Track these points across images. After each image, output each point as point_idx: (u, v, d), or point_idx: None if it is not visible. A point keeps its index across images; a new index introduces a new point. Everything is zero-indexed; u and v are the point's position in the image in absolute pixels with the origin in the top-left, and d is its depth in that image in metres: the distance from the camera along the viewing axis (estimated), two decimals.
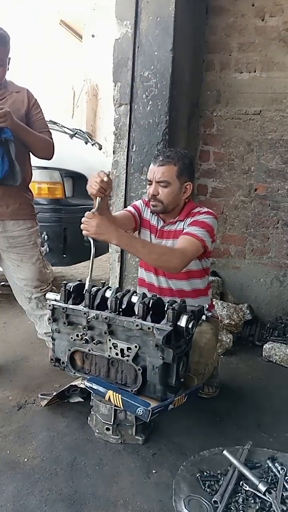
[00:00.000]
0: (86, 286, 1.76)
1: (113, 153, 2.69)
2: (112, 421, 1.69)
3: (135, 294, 1.69)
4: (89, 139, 4.38)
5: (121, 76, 2.58)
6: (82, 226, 1.71)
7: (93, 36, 9.88)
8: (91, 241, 1.75)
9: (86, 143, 4.27)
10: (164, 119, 2.52)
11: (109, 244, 2.56)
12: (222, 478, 1.47)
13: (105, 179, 1.72)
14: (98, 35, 9.69)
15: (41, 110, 2.18)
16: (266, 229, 3.16)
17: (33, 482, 1.47)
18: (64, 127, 3.91)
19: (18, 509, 1.35)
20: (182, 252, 1.77)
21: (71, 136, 3.93)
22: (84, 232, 1.71)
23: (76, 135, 4.04)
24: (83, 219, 1.71)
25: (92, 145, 4.43)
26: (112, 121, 2.68)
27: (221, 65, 3.14)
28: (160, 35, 2.46)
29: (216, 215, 1.96)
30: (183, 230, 1.92)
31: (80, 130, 4.29)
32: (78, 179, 3.37)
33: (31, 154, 2.19)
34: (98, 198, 1.75)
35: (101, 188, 1.73)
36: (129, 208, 2.12)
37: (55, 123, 3.75)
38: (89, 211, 1.74)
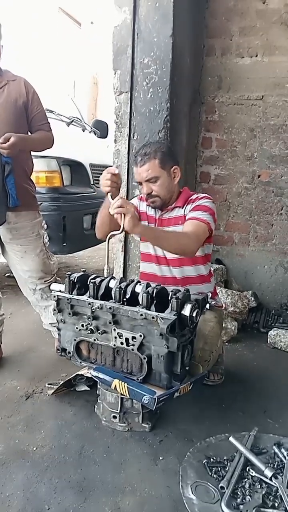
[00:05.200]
0: (105, 273, 1.81)
1: (114, 142, 2.67)
2: (118, 409, 1.71)
3: (139, 283, 1.69)
4: (86, 127, 4.36)
5: (121, 64, 2.55)
6: (119, 209, 1.64)
7: (92, 23, 9.75)
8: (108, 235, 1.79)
9: (84, 131, 4.24)
10: (165, 107, 2.50)
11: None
12: (228, 464, 1.49)
13: (116, 171, 1.77)
14: (97, 22, 9.56)
15: (40, 101, 2.17)
16: (270, 216, 3.15)
17: (42, 470, 1.49)
18: (61, 115, 3.89)
19: (28, 496, 1.37)
20: (195, 236, 1.81)
21: (68, 124, 3.91)
22: (119, 213, 1.64)
23: (73, 123, 4.02)
24: (118, 203, 1.64)
25: (90, 132, 4.40)
26: (113, 109, 2.66)
27: (222, 50, 3.10)
28: (159, 21, 2.42)
29: (213, 200, 1.99)
30: (184, 216, 1.94)
31: (77, 118, 4.26)
32: (76, 167, 3.36)
33: None
34: (109, 194, 1.77)
35: (113, 183, 1.76)
36: None
37: (51, 111, 3.73)
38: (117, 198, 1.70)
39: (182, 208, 1.97)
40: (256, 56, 3.02)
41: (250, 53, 3.03)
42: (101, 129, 4.58)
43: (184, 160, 2.95)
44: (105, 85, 9.39)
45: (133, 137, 2.59)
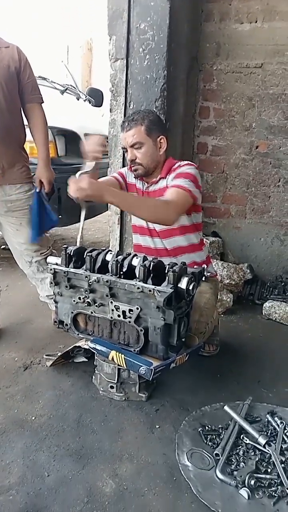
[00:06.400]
0: (77, 243, 1.87)
1: (110, 111, 2.61)
2: (116, 380, 1.74)
3: (136, 257, 1.69)
4: (80, 95, 4.25)
5: (117, 29, 2.46)
6: (71, 189, 1.63)
7: None
8: (81, 205, 1.85)
9: (78, 99, 4.14)
10: (162, 74, 2.43)
11: (107, 205, 2.55)
12: (223, 432, 1.53)
13: (106, 145, 1.77)
14: None
15: (32, 71, 2.13)
16: (267, 188, 3.12)
17: (41, 438, 1.53)
18: (54, 82, 3.78)
19: (28, 464, 1.41)
20: (174, 204, 1.77)
21: (62, 92, 3.80)
22: (75, 194, 1.63)
23: (67, 91, 3.91)
24: (71, 183, 1.65)
25: (84, 101, 4.29)
26: (108, 77, 2.59)
27: (220, 15, 2.99)
28: None
29: (197, 166, 1.97)
30: (167, 187, 1.92)
31: (71, 85, 4.15)
32: (70, 137, 3.28)
33: (23, 114, 2.15)
34: (94, 161, 1.78)
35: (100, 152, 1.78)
36: (114, 174, 2.13)
37: (44, 78, 3.62)
38: (78, 173, 1.73)
39: (165, 178, 1.96)
40: (256, 21, 2.92)
41: (249, 19, 2.93)
42: (96, 97, 4.47)
43: (181, 130, 2.90)
44: (100, 51, 9.12)
45: (129, 106, 2.53)
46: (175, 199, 1.78)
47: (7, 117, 2.02)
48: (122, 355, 1.61)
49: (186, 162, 1.96)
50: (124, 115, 2.53)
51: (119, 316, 1.65)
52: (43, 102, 2.18)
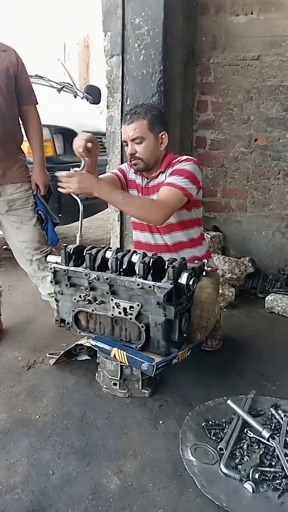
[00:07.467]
0: (77, 242, 1.86)
1: (107, 108, 2.60)
2: (118, 377, 1.74)
3: (135, 253, 1.68)
4: (78, 92, 4.23)
5: (111, 25, 2.45)
6: (61, 184, 1.76)
7: None
8: (78, 199, 1.86)
9: (75, 97, 4.12)
10: (158, 69, 2.41)
11: (107, 202, 2.54)
12: (226, 426, 1.53)
13: (89, 145, 1.78)
14: None
15: (27, 74, 2.14)
16: (267, 181, 3.11)
17: (45, 437, 1.53)
18: (51, 81, 3.77)
19: (32, 463, 1.41)
20: (162, 203, 1.78)
21: (59, 90, 3.79)
22: (64, 190, 1.77)
23: (64, 88, 3.90)
24: (62, 178, 1.76)
25: (82, 98, 4.28)
26: (105, 73, 2.58)
27: (216, 8, 2.97)
28: None
29: (197, 161, 1.94)
30: (164, 182, 1.91)
31: (68, 83, 4.14)
32: (68, 136, 3.27)
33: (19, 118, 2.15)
34: (82, 159, 1.82)
35: (86, 152, 1.80)
36: (115, 170, 2.13)
37: (41, 77, 3.61)
38: (71, 170, 1.80)
39: (164, 173, 1.95)
40: (252, 13, 2.89)
41: (245, 11, 2.90)
42: (93, 94, 4.45)
43: (179, 125, 2.89)
44: (97, 48, 9.07)
45: (126, 102, 2.52)
46: (164, 199, 1.78)
47: (7, 120, 2.04)
48: (124, 352, 1.61)
49: (185, 157, 1.94)
50: (121, 111, 2.53)
51: (120, 313, 1.65)
52: (38, 103, 2.19)
